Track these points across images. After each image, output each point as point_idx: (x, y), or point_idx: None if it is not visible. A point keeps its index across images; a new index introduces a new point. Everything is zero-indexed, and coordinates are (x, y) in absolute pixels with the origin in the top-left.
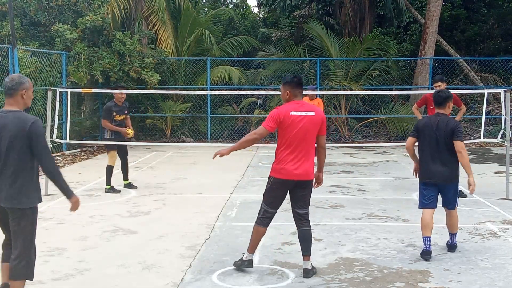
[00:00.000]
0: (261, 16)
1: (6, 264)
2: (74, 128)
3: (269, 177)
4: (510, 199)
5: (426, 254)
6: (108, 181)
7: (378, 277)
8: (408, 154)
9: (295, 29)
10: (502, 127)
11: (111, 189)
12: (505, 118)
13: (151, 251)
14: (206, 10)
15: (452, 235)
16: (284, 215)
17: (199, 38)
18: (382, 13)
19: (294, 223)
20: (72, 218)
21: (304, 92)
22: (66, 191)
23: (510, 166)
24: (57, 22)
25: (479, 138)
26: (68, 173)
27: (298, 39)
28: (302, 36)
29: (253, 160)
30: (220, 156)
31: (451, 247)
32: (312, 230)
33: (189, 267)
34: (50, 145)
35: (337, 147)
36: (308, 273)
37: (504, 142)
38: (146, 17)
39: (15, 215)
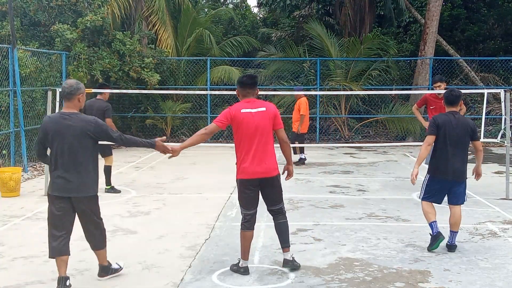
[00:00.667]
0: (261, 16)
1: (65, 256)
2: None
3: (236, 180)
4: (510, 199)
5: (437, 237)
6: (108, 182)
7: (378, 277)
8: (423, 153)
9: (295, 29)
10: (502, 127)
11: (112, 189)
12: (505, 118)
13: (151, 251)
14: (206, 10)
15: (454, 233)
16: None
17: (199, 38)
18: (382, 13)
19: (294, 223)
20: None
21: (291, 92)
22: (149, 146)
23: (510, 166)
24: (57, 22)
25: (479, 138)
26: None
27: (298, 39)
28: (302, 36)
29: None
30: (172, 155)
31: (451, 247)
32: (312, 231)
33: (189, 267)
34: None
35: (337, 147)
36: (287, 263)
37: (504, 142)
38: (146, 17)
39: (83, 203)
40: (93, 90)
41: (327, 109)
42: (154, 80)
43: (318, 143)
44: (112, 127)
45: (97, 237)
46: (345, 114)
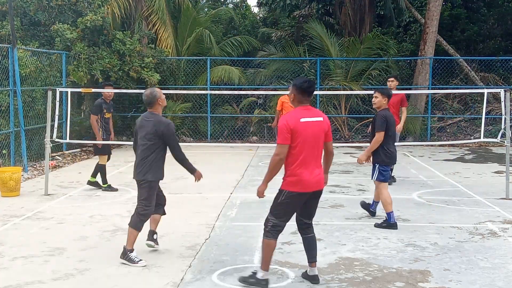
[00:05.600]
0: (261, 15)
1: (153, 215)
2: (74, 128)
3: (281, 190)
4: (510, 199)
5: (394, 225)
6: (104, 180)
7: (378, 276)
8: (371, 149)
9: (295, 29)
10: (502, 127)
11: (109, 187)
12: (505, 118)
13: (151, 251)
14: (206, 9)
15: (376, 203)
16: None
17: (199, 38)
18: (382, 13)
19: (294, 223)
20: (72, 218)
21: (276, 92)
22: (190, 171)
23: (510, 166)
24: (57, 22)
25: (479, 138)
26: (68, 173)
27: (298, 39)
28: (302, 36)
29: (253, 160)
30: (261, 195)
31: (373, 213)
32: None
33: (189, 267)
34: (50, 145)
35: (337, 147)
36: (315, 279)
37: (504, 142)
38: (146, 17)
39: (143, 185)
40: (93, 90)
41: (327, 109)
42: (154, 80)
43: None
44: (94, 126)
45: (133, 216)
46: (345, 114)
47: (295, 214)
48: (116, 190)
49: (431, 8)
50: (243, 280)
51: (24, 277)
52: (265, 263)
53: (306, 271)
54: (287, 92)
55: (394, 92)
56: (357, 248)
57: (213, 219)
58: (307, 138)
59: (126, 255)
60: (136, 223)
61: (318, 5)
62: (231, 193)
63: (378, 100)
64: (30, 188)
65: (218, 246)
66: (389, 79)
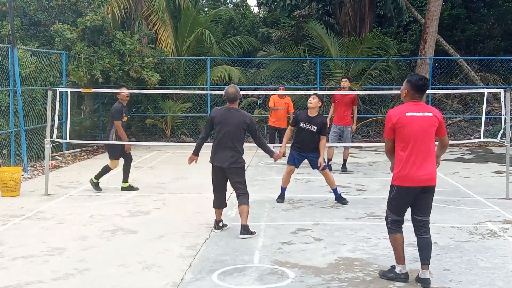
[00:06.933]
0: (261, 15)
1: (219, 210)
2: (74, 128)
3: (391, 185)
4: (510, 199)
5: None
6: (98, 176)
7: (378, 276)
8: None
9: (295, 28)
10: (502, 127)
11: (96, 185)
12: (505, 118)
13: (151, 251)
14: (206, 9)
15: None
16: (284, 215)
17: (199, 38)
18: (382, 13)
19: (294, 223)
20: (72, 218)
21: (274, 92)
22: (269, 152)
23: (510, 166)
24: (57, 22)
25: (479, 138)
26: (68, 172)
27: (298, 39)
28: (302, 35)
29: (253, 160)
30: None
31: (339, 198)
32: (312, 230)
33: (189, 266)
34: (50, 145)
35: (336, 147)
36: (426, 282)
37: (504, 142)
38: (146, 17)
39: (234, 172)
40: (93, 90)
41: (327, 109)
42: (154, 80)
43: None
44: (121, 133)
45: (239, 196)
46: None
47: (410, 213)
48: (100, 190)
49: (431, 8)
50: (382, 274)
51: (24, 277)
52: (399, 258)
53: (419, 273)
54: (279, 92)
55: (346, 92)
56: (357, 248)
57: (213, 219)
58: (414, 133)
59: (248, 231)
60: (247, 201)
61: (318, 5)
62: (231, 193)
63: (315, 101)
64: (30, 188)
65: (218, 246)
66: (343, 79)
